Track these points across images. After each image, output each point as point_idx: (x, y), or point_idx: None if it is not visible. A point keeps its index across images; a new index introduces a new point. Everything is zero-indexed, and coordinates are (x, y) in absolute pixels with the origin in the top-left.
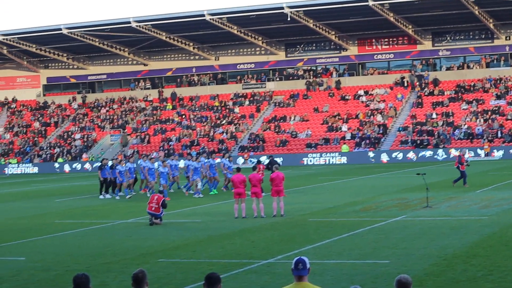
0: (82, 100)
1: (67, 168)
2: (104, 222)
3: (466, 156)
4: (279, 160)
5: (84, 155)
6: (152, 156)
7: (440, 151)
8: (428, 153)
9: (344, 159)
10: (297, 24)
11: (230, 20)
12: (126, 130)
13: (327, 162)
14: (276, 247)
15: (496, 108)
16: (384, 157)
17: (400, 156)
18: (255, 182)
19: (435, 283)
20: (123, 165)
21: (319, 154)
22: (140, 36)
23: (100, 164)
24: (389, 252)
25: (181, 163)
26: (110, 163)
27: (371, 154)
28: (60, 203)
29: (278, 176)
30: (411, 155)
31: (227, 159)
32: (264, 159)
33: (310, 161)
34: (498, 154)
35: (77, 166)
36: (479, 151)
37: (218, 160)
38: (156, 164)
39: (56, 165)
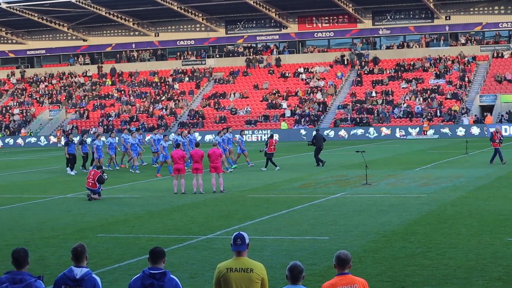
0: (21, 75)
1: None
2: (43, 197)
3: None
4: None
5: (22, 130)
6: (92, 132)
7: (371, 130)
8: (360, 131)
9: (276, 136)
10: (237, 1)
11: None
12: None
13: (259, 139)
14: (216, 222)
15: (436, 87)
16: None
17: (332, 134)
18: (197, 158)
19: (374, 260)
20: (100, 139)
21: (252, 131)
22: (80, 11)
23: (67, 139)
24: (328, 228)
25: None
26: (77, 138)
27: (303, 132)
28: None
29: (215, 153)
30: (342, 133)
31: (240, 134)
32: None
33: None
34: (430, 132)
35: (10, 141)
36: (410, 129)
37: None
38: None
39: None
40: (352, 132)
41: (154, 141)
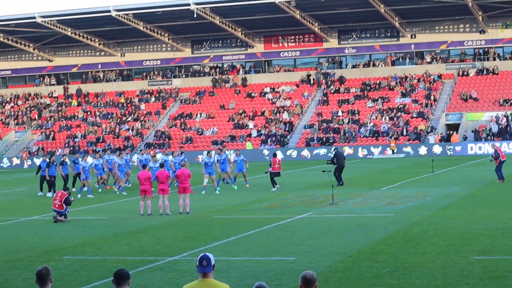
0: None
1: None
2: (8, 219)
3: (503, 150)
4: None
5: None
6: (50, 154)
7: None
8: (322, 151)
9: (240, 157)
10: (203, 21)
11: (136, 16)
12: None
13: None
14: (182, 244)
15: (402, 106)
16: (279, 155)
17: (294, 154)
18: (162, 179)
19: (340, 280)
20: (86, 160)
21: (214, 152)
22: (45, 31)
23: (47, 161)
24: (295, 249)
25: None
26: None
27: (266, 152)
28: None
29: (183, 173)
30: (305, 152)
31: (236, 154)
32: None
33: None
34: (393, 151)
35: None
36: (372, 149)
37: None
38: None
39: None
40: (315, 152)
41: (140, 162)
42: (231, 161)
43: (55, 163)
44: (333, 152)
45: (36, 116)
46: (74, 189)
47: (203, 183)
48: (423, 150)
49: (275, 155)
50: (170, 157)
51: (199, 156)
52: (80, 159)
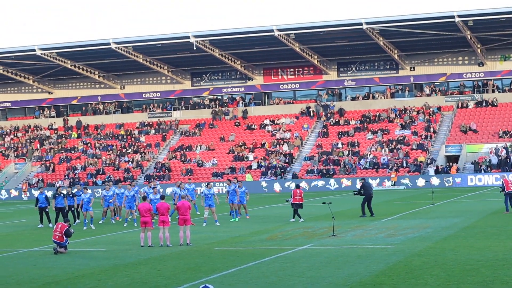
0: None
1: None
2: (8, 251)
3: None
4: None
5: None
6: (58, 185)
7: (332, 181)
8: (321, 182)
9: (241, 188)
10: (203, 54)
11: (135, 49)
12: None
13: (221, 192)
14: (182, 275)
15: (401, 138)
16: (277, 187)
17: (292, 185)
18: (163, 211)
19: None
20: (86, 192)
21: (212, 184)
22: (45, 64)
23: (55, 192)
24: (295, 280)
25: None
26: (64, 191)
27: (264, 184)
28: None
29: (184, 205)
30: (303, 184)
31: (238, 185)
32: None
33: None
34: (391, 183)
35: None
36: (370, 181)
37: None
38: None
39: None
40: (312, 184)
41: (146, 193)
42: (239, 193)
43: (62, 194)
44: (361, 183)
45: (38, 145)
46: (78, 220)
47: (203, 215)
48: (421, 182)
49: (297, 186)
50: (178, 189)
51: (197, 188)
52: (81, 192)
